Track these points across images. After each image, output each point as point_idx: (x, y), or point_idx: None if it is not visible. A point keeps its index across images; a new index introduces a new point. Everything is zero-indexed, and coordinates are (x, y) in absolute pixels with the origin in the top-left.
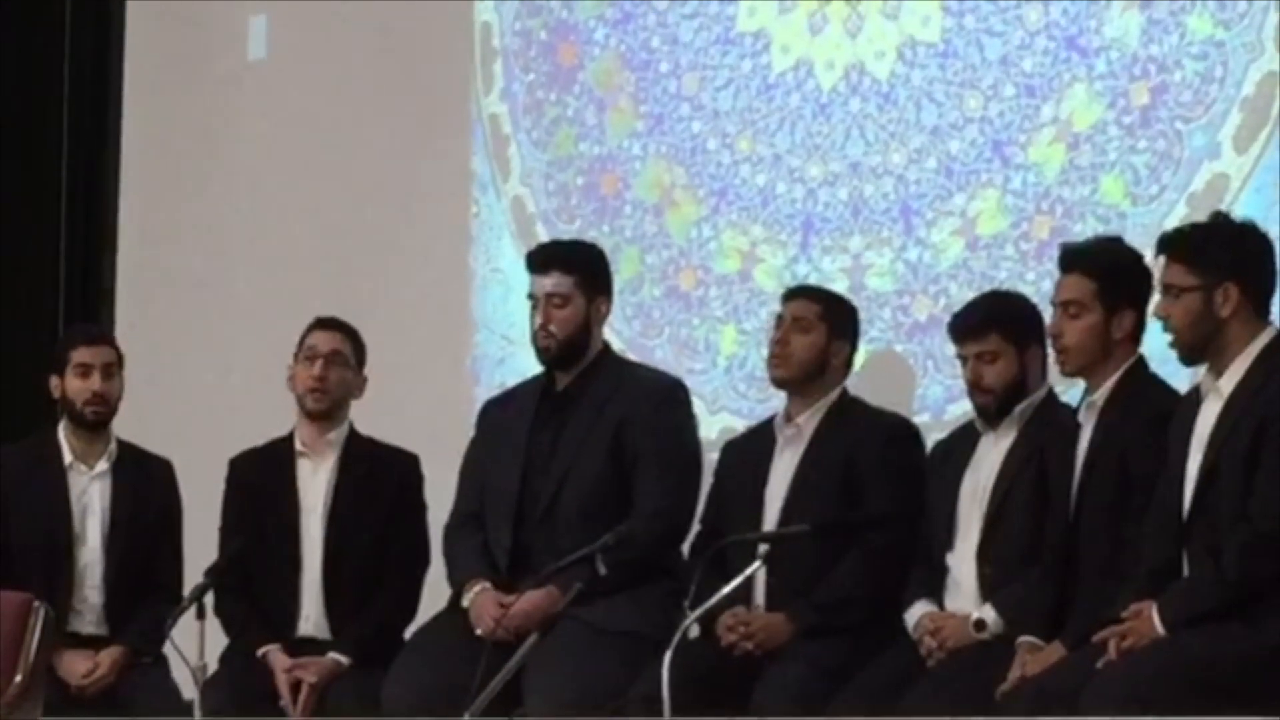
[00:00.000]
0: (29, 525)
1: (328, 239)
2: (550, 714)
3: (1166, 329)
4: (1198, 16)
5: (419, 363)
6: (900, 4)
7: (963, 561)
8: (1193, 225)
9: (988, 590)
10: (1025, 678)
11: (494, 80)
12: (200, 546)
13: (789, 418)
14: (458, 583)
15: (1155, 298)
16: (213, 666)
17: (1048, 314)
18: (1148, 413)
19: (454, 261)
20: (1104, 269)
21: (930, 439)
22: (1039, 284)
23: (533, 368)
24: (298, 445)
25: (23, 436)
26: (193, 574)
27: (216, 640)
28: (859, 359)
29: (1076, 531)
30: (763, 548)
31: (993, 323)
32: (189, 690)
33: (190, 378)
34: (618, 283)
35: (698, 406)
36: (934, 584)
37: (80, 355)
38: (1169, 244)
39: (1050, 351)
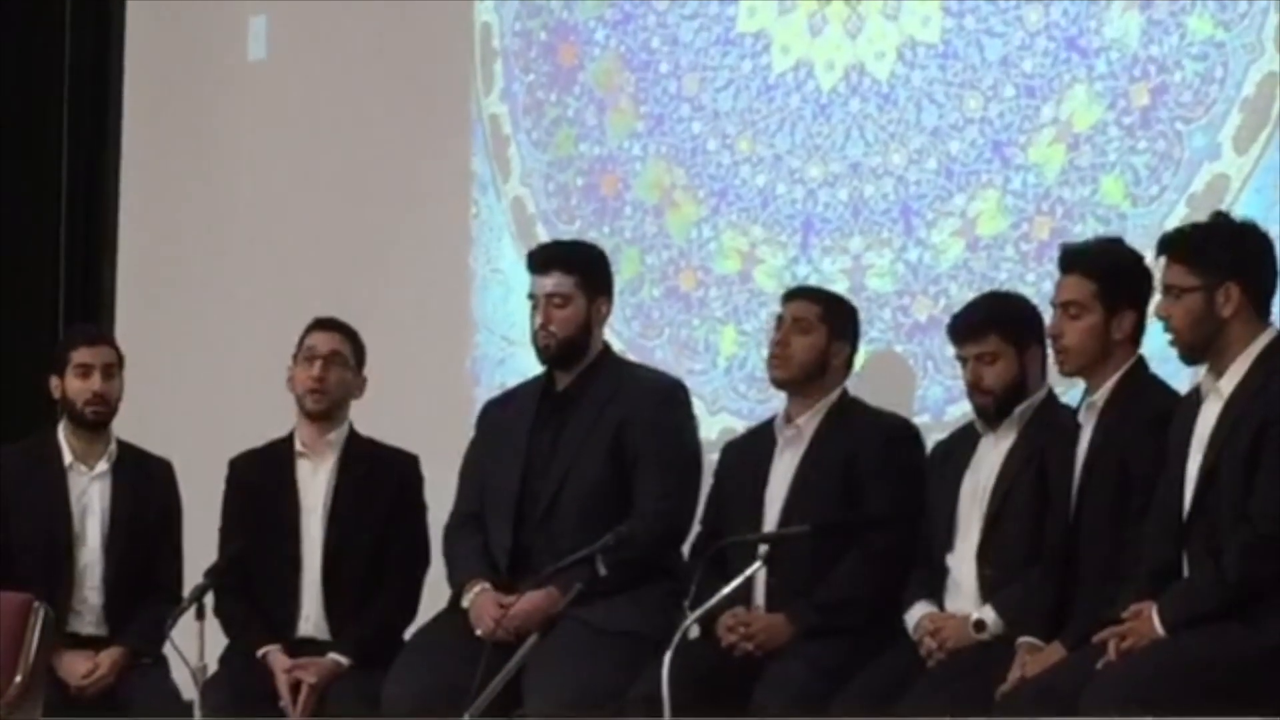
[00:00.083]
0: (29, 525)
1: (328, 239)
2: (550, 714)
3: (1167, 329)
4: (1198, 17)
5: (419, 363)
6: (900, 5)
7: (963, 562)
8: (1193, 225)
9: (988, 591)
10: (1025, 678)
11: (494, 80)
12: (200, 547)
13: (789, 418)
14: (458, 583)
15: (1156, 298)
16: (212, 667)
17: (1048, 315)
18: (1148, 413)
19: (454, 262)
20: (1104, 270)
21: (930, 440)
22: (1039, 285)
23: (533, 368)
24: (297, 446)
25: (23, 436)
26: (193, 574)
27: (216, 641)
28: (859, 360)
29: (1076, 532)
30: (763, 548)
31: (992, 324)
32: (189, 691)
33: (190, 378)
34: (618, 283)
35: (698, 407)
36: (934, 585)
37: (80, 355)
38: (1170, 244)
39: (1050, 352)
